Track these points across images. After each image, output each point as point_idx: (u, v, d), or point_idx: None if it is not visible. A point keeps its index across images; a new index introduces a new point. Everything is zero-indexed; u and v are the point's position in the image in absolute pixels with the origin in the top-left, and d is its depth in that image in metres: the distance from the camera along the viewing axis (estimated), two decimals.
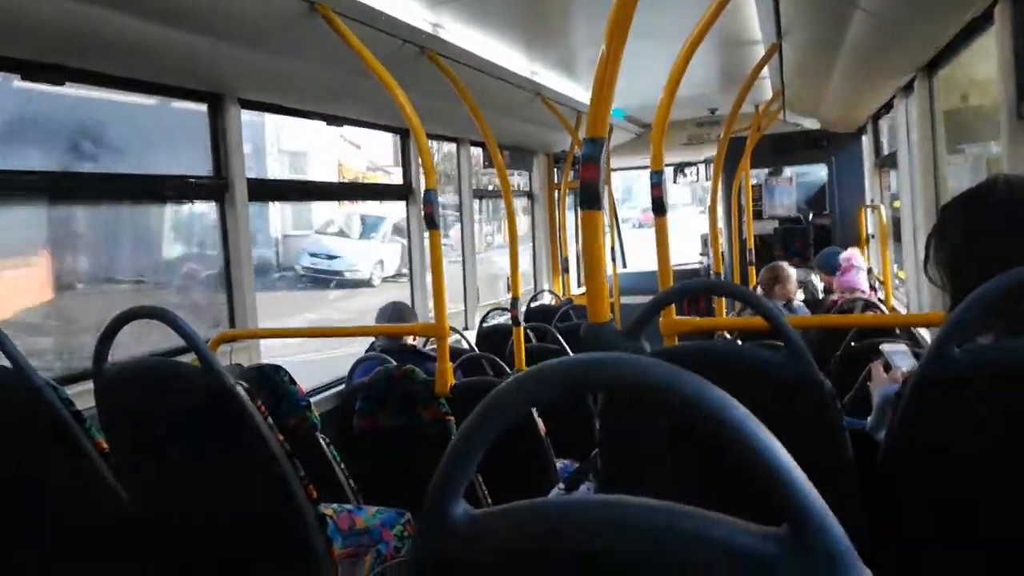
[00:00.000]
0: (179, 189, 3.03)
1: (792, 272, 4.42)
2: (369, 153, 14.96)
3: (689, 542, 0.52)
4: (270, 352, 3.42)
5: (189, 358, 1.83)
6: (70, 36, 2.20)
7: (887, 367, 1.66)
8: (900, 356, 1.62)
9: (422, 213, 2.92)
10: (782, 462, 0.51)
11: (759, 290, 4.44)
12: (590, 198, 1.43)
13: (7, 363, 1.77)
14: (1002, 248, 1.21)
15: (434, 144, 5.07)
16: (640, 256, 7.86)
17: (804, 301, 5.14)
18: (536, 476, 2.88)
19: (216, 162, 3.00)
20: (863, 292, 4.24)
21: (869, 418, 1.53)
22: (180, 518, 1.82)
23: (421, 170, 3.22)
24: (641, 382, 0.54)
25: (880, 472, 1.22)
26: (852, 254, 4.51)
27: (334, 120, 3.77)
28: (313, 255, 13.08)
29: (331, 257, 13.05)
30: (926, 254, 1.33)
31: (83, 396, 1.90)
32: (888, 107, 4.61)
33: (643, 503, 0.55)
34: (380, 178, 13.87)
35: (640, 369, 0.54)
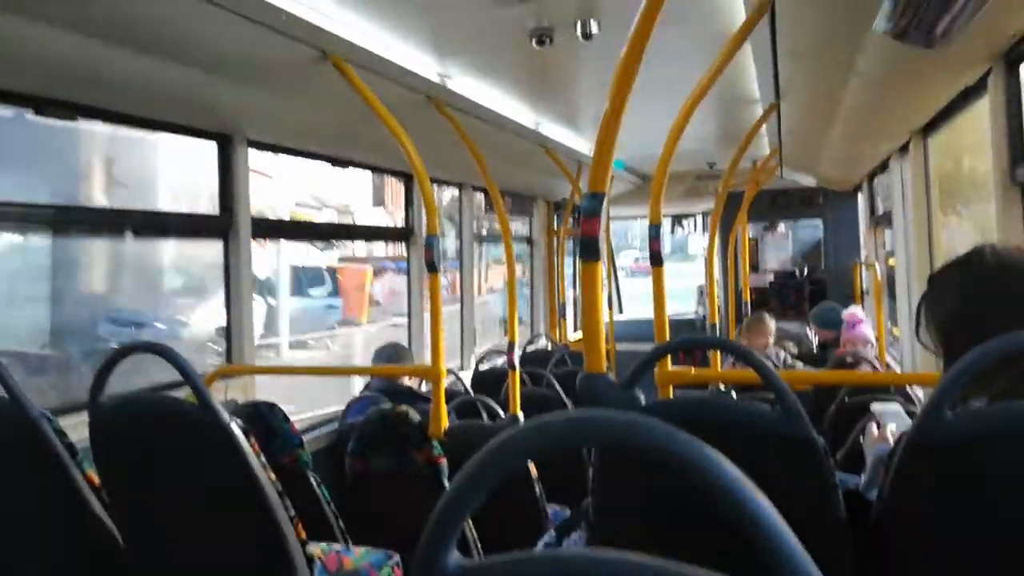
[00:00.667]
0: (184, 225, 3.06)
1: (770, 325, 4.53)
2: (309, 184, 13.08)
3: None
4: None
5: (185, 392, 1.84)
6: (84, 73, 2.25)
7: (880, 424, 1.67)
8: (891, 416, 1.63)
9: (423, 257, 2.95)
10: (773, 526, 0.52)
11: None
12: (590, 251, 1.46)
13: (4, 394, 1.77)
14: (991, 315, 1.24)
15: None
16: (634, 303, 7.89)
17: (800, 355, 5.17)
18: (526, 520, 2.86)
19: (222, 199, 3.04)
20: (873, 345, 4.27)
21: (862, 476, 1.54)
22: (170, 553, 1.80)
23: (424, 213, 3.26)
24: (637, 442, 0.55)
25: (872, 533, 1.22)
26: (855, 310, 4.58)
27: (340, 163, 3.83)
28: (114, 321, 8.35)
29: (137, 325, 8.54)
30: (916, 320, 1.36)
31: (78, 427, 1.90)
32: (883, 167, 4.69)
33: (635, 560, 0.56)
34: (312, 216, 13.10)
35: (637, 430, 0.56)
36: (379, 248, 14.94)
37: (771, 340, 4.54)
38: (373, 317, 13.73)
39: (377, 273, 14.52)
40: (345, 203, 15.04)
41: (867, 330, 4.38)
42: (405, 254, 4.36)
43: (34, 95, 2.30)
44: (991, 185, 2.41)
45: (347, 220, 14.70)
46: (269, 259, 11.07)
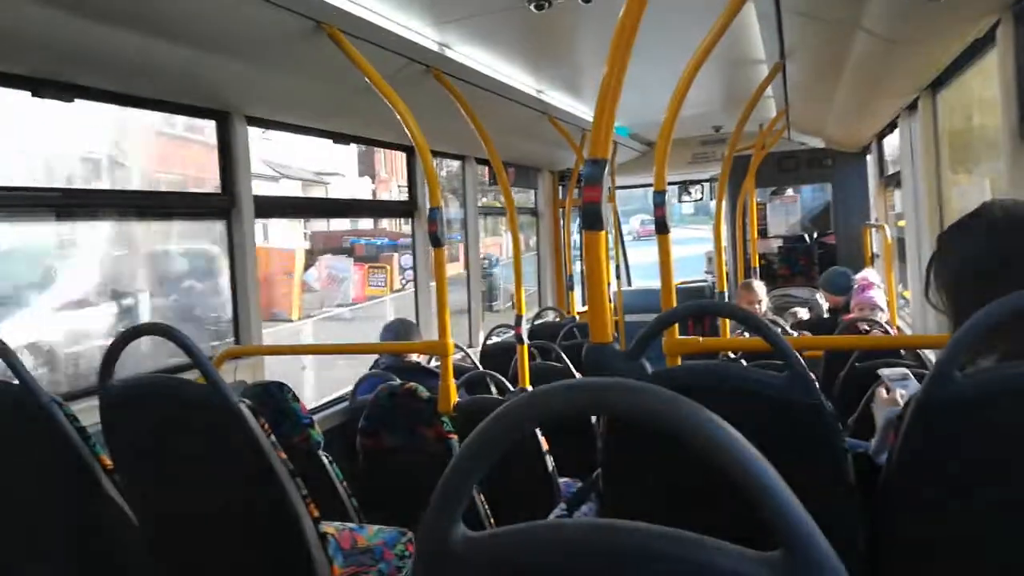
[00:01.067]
0: (187, 205, 3.05)
1: (759, 291, 4.57)
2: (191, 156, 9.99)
3: (686, 569, 0.53)
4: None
5: (194, 374, 1.84)
6: (80, 54, 2.23)
7: (890, 388, 1.65)
8: (899, 380, 1.62)
9: (427, 230, 2.93)
10: (775, 487, 0.51)
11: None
12: (592, 219, 1.44)
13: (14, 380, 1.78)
14: (1000, 272, 1.21)
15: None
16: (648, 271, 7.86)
17: (809, 320, 5.15)
18: (538, 494, 2.87)
19: (223, 179, 3.02)
20: (883, 310, 4.24)
21: (872, 440, 1.52)
22: (183, 534, 1.82)
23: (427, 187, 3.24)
24: (640, 408, 0.54)
25: (881, 495, 1.21)
26: (868, 273, 4.54)
27: (340, 137, 3.80)
28: None
29: None
30: (926, 280, 1.34)
31: (88, 412, 1.91)
32: (892, 127, 4.62)
33: (642, 529, 0.55)
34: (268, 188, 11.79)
35: (639, 396, 0.55)
36: (365, 226, 14.21)
37: (761, 306, 4.56)
38: (308, 309, 12.48)
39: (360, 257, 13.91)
40: (317, 171, 13.99)
41: (877, 295, 4.35)
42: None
43: (30, 76, 2.28)
44: (1000, 141, 2.37)
45: (319, 192, 13.75)
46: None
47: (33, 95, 2.30)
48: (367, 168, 18.24)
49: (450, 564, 0.60)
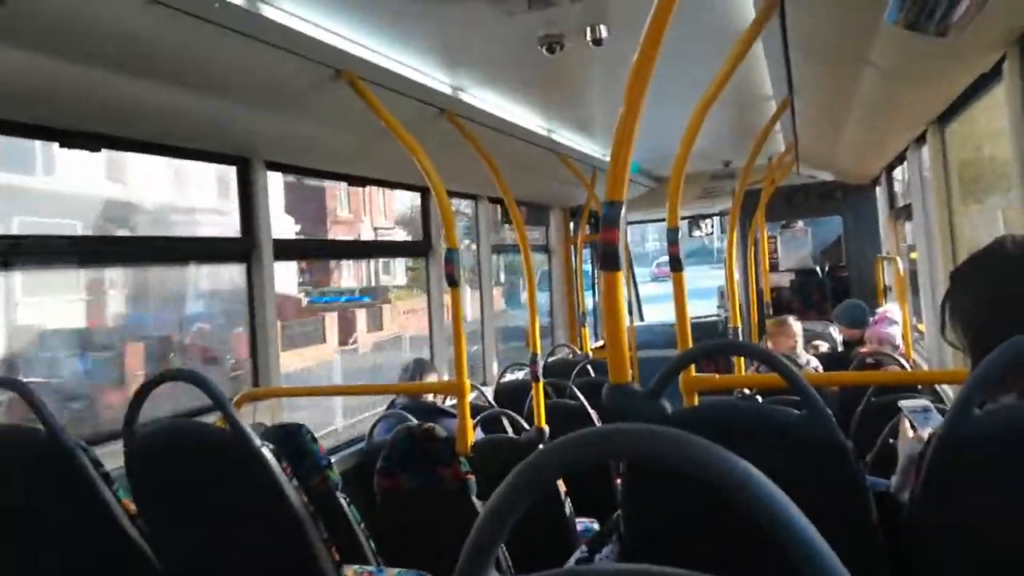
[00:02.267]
0: (208, 250, 3.10)
1: (795, 327, 4.48)
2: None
3: None
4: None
5: (215, 416, 1.86)
6: (105, 106, 2.29)
7: (914, 424, 1.64)
8: (920, 412, 1.61)
9: (443, 270, 2.96)
10: (804, 530, 0.52)
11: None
12: (610, 260, 1.46)
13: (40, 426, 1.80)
14: (1016, 308, 1.22)
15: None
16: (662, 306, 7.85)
17: (824, 354, 5.12)
18: (555, 535, 2.85)
19: (244, 223, 3.07)
20: (892, 345, 4.22)
21: (893, 478, 1.52)
22: None
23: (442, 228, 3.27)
24: (671, 455, 0.56)
25: (904, 534, 1.21)
26: (890, 308, 4.52)
27: (356, 180, 3.86)
28: None
29: None
30: (941, 318, 1.34)
31: (112, 456, 1.93)
32: (901, 158, 4.64)
33: (669, 573, 0.56)
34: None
35: (670, 443, 0.56)
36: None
37: (797, 342, 4.48)
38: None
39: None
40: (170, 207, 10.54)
41: (891, 330, 4.32)
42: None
43: (57, 128, 2.34)
44: (1011, 175, 2.38)
45: (161, 230, 11.09)
46: None
47: (61, 146, 2.36)
48: (310, 204, 16.69)
49: None
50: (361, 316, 15.17)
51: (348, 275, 16.85)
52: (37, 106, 2.17)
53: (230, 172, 2.89)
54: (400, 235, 20.26)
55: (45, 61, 1.93)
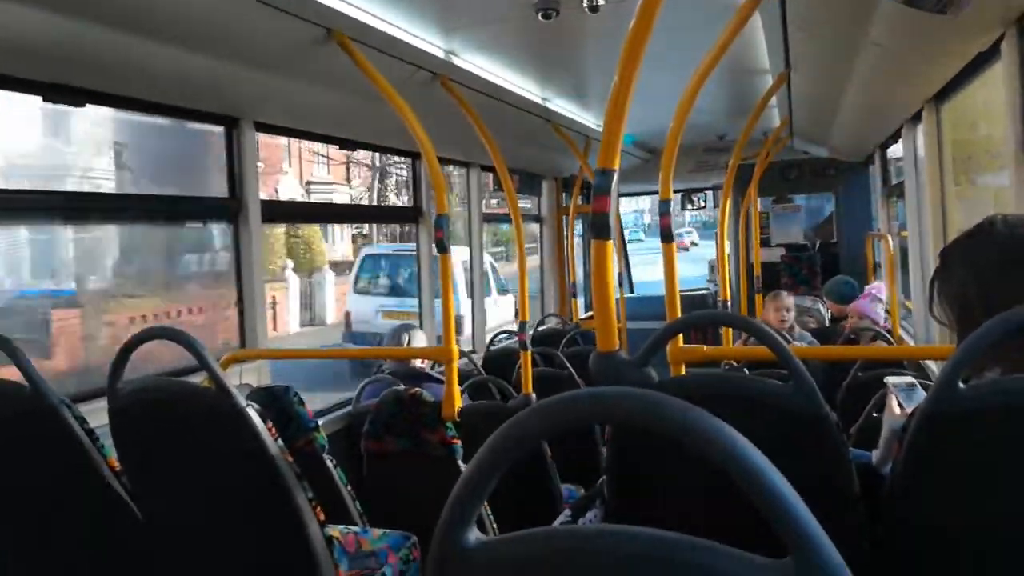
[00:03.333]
0: (194, 209, 3.07)
1: (787, 300, 4.52)
2: None
3: (692, 573, 0.54)
4: None
5: (200, 377, 1.85)
6: (90, 60, 2.24)
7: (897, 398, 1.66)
8: (905, 388, 1.62)
9: (433, 236, 2.95)
10: (786, 496, 0.53)
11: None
12: (601, 229, 1.45)
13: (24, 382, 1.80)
14: (1005, 287, 1.23)
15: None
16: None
17: (812, 329, 5.16)
18: (540, 500, 2.88)
19: (231, 183, 3.04)
20: (873, 321, 4.26)
21: (875, 451, 1.53)
22: (190, 536, 1.83)
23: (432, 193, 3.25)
24: (655, 418, 0.56)
25: (885, 507, 1.22)
26: (878, 286, 4.55)
27: (347, 144, 3.82)
28: None
29: None
30: (930, 295, 1.35)
31: (96, 413, 1.92)
32: (896, 137, 4.63)
33: (655, 535, 0.56)
34: None
35: (654, 405, 0.56)
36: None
37: (790, 315, 4.52)
38: None
39: None
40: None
41: (866, 306, 4.37)
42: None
43: (41, 81, 2.30)
44: (1006, 154, 2.38)
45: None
46: None
47: (44, 100, 2.32)
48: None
49: (465, 569, 0.62)
50: None
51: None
52: (20, 59, 2.12)
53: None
54: (342, 195, 17.92)
55: (29, 13, 1.89)
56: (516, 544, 0.61)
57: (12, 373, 1.83)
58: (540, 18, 2.72)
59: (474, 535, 0.62)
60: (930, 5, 1.74)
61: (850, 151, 6.03)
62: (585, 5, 2.65)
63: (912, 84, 3.28)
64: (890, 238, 4.95)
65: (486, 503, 2.59)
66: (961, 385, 1.12)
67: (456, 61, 3.22)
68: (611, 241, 1.50)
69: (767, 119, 4.99)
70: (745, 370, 3.07)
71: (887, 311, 4.71)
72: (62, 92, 2.35)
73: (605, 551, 0.57)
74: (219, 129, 2.98)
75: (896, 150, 4.87)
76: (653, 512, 1.33)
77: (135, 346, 1.78)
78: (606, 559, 0.57)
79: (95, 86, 2.43)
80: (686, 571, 0.54)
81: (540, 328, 5.55)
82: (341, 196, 18.32)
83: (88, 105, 2.44)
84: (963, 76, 2.97)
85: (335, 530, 1.96)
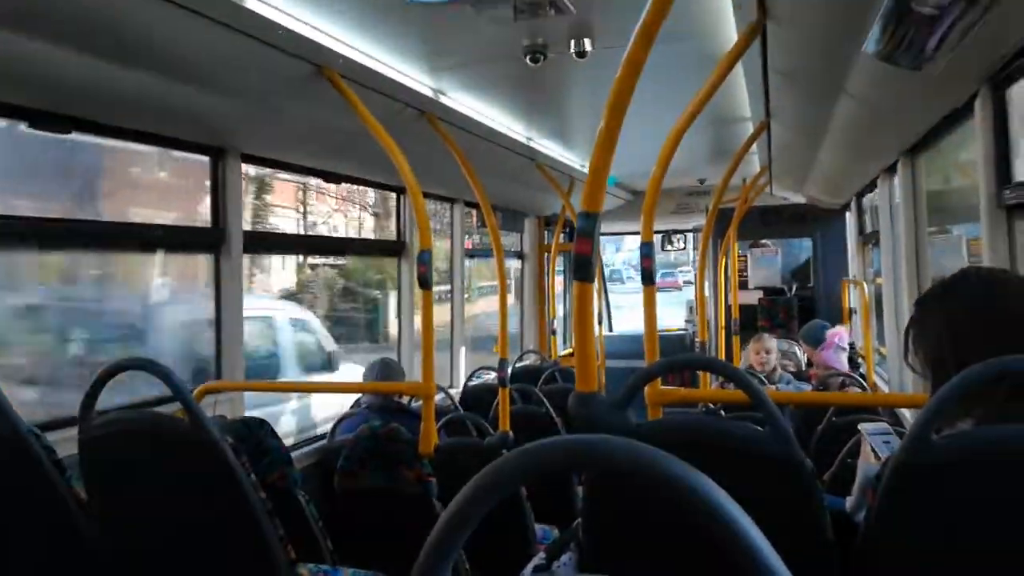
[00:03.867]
0: (175, 239, 3.05)
1: (769, 343, 4.56)
2: None
3: None
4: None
5: (173, 407, 1.83)
6: (78, 88, 2.25)
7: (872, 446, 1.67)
8: (879, 436, 1.64)
9: (415, 271, 2.95)
10: (761, 553, 0.53)
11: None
12: (583, 270, 1.47)
13: None
14: (978, 339, 1.25)
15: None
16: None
17: (792, 372, 5.20)
18: (514, 540, 2.85)
19: (214, 213, 3.04)
20: (837, 371, 4.30)
21: (849, 499, 1.54)
22: (156, 570, 1.79)
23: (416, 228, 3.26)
24: (633, 467, 0.56)
25: (859, 554, 1.23)
26: (839, 332, 4.59)
27: (332, 177, 3.83)
28: None
29: None
30: (905, 345, 1.37)
31: (66, 443, 1.89)
32: (872, 186, 4.73)
33: None
34: None
35: (633, 455, 0.56)
36: None
37: (771, 357, 4.56)
38: None
39: None
40: None
41: (831, 357, 4.42)
42: None
43: (28, 108, 2.29)
44: (980, 209, 2.43)
45: None
46: None
47: (30, 126, 2.31)
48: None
49: None
50: None
51: None
52: (6, 85, 2.12)
53: None
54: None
55: (16, 40, 1.89)
56: None
57: None
58: (528, 62, 2.76)
59: None
60: (906, 61, 1.80)
61: (828, 199, 6.14)
62: (572, 51, 2.70)
63: (888, 136, 3.36)
64: (865, 284, 5.02)
65: None
66: (934, 436, 1.13)
67: (444, 100, 3.26)
68: (592, 283, 1.51)
69: (747, 165, 5.07)
70: (722, 412, 3.08)
71: (861, 356, 4.76)
72: (48, 119, 2.35)
73: None
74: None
75: (873, 198, 4.97)
76: (628, 557, 1.32)
77: (109, 376, 1.76)
78: None
79: (81, 114, 2.43)
80: None
81: (519, 364, 5.54)
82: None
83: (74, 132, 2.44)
84: (938, 130, 3.04)
85: (304, 569, 1.93)
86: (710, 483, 0.55)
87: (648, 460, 0.56)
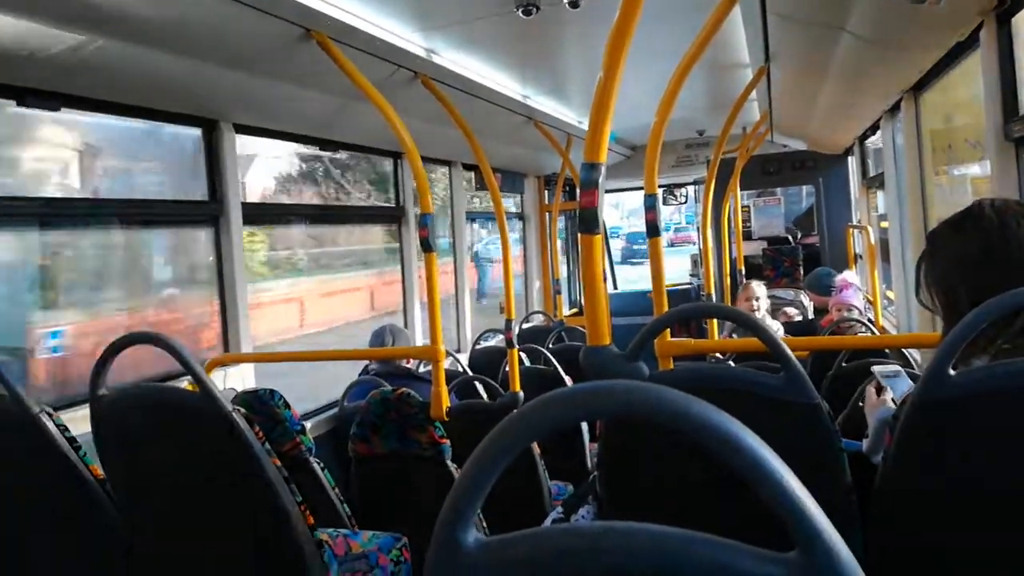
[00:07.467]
0: (173, 213, 3.03)
1: (756, 291, 4.57)
2: None
3: (701, 568, 0.53)
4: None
5: (184, 382, 1.83)
6: (67, 64, 2.20)
7: (879, 388, 1.67)
8: (892, 376, 1.63)
9: (416, 236, 2.93)
10: (793, 488, 0.52)
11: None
12: (589, 223, 1.45)
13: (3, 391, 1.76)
14: (992, 272, 1.23)
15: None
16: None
17: (795, 321, 5.19)
18: (529, 497, 2.87)
19: (211, 186, 3.01)
20: (859, 310, 4.29)
21: (865, 441, 1.54)
22: (177, 543, 1.80)
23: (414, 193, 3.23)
24: (654, 410, 0.55)
25: (878, 495, 1.22)
26: (847, 275, 4.58)
27: (328, 144, 3.78)
28: None
29: None
30: (916, 280, 1.35)
31: (79, 421, 1.89)
32: (875, 128, 4.67)
33: (657, 530, 0.55)
34: None
35: (653, 397, 0.55)
36: None
37: (759, 304, 4.55)
38: None
39: None
40: None
41: (851, 295, 4.39)
42: None
43: (16, 86, 2.25)
44: (985, 143, 2.40)
45: None
46: None
47: (18, 104, 2.28)
48: None
49: (465, 570, 0.60)
50: None
51: None
52: None
53: None
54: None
55: (3, 16, 1.85)
56: (518, 544, 0.60)
57: None
58: (520, 15, 2.70)
59: (473, 536, 0.61)
60: None
61: (830, 143, 6.07)
62: (565, 1, 2.64)
63: (891, 74, 3.30)
64: (870, 229, 4.99)
65: None
66: (951, 372, 1.12)
67: (436, 60, 3.20)
68: (600, 235, 1.49)
69: (747, 114, 5.00)
70: (731, 362, 3.08)
71: (869, 301, 4.75)
72: (37, 97, 2.31)
73: (610, 549, 0.56)
74: None
75: (875, 141, 4.91)
76: (647, 508, 1.32)
77: (117, 351, 1.75)
78: (612, 557, 0.55)
79: (71, 90, 2.39)
80: (689, 565, 0.53)
81: (525, 326, 5.54)
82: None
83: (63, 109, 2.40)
84: (942, 66, 2.99)
85: (324, 534, 1.94)
86: (742, 428, 0.53)
87: (672, 404, 0.54)
